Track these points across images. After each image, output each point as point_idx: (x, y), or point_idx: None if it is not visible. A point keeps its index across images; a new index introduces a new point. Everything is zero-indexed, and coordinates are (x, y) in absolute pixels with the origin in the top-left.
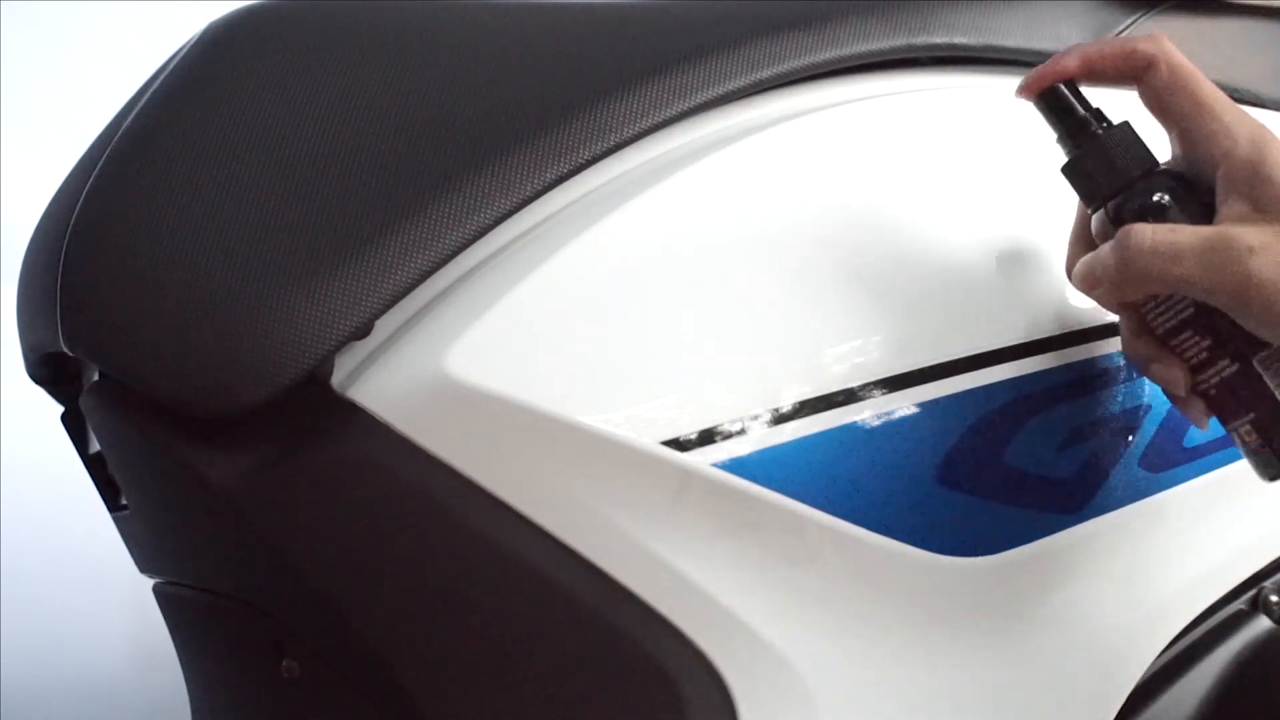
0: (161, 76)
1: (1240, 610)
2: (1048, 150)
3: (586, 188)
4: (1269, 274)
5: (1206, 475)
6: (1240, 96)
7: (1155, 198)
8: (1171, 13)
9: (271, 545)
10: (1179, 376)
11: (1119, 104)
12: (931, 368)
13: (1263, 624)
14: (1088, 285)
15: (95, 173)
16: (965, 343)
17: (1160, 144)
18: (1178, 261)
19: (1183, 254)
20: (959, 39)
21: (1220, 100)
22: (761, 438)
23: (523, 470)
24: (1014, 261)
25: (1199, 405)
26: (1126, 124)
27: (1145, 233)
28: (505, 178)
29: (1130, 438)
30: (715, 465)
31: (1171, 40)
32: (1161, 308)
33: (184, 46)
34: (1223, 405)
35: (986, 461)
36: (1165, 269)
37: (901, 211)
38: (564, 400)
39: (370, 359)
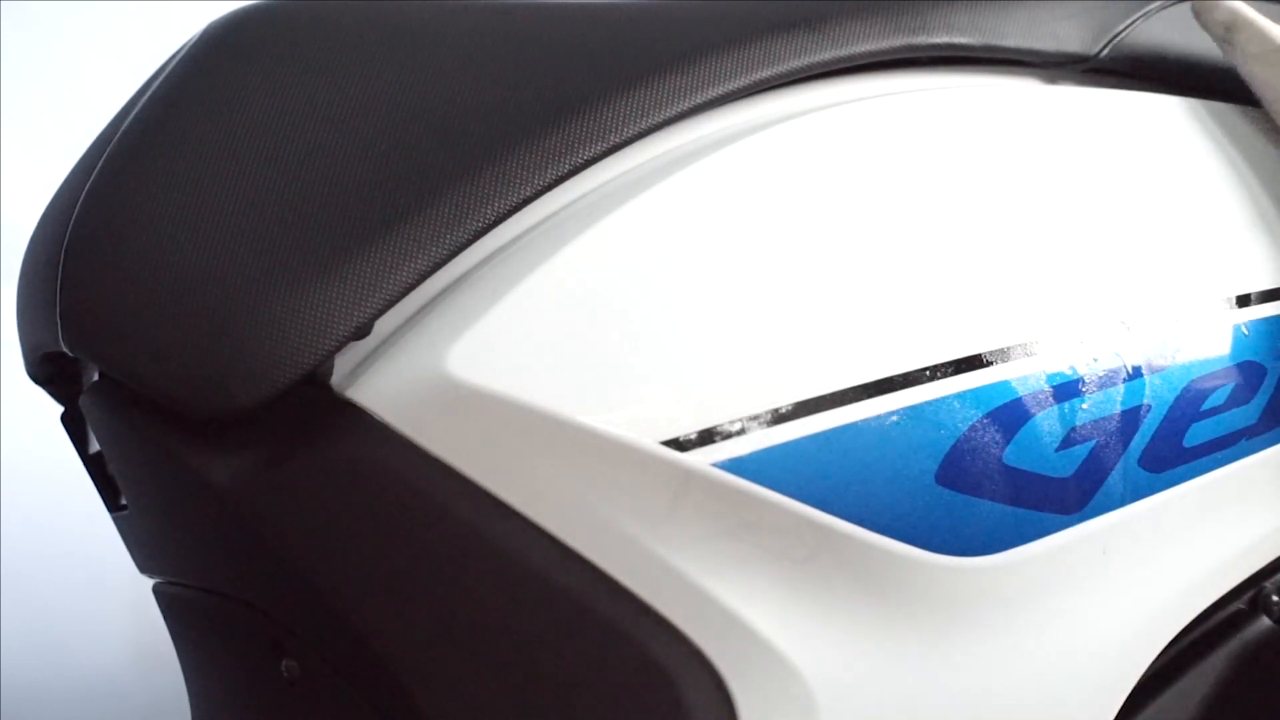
0: (161, 76)
1: (1240, 610)
2: (1048, 150)
3: (586, 188)
4: None
5: (1206, 475)
6: (1248, 98)
7: None
8: (1178, 2)
9: (271, 545)
10: None
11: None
12: (931, 368)
13: (1263, 624)
14: None
15: (95, 173)
16: (965, 343)
17: None
18: None
19: None
20: (959, 39)
21: None
22: (761, 438)
23: (522, 470)
24: (1014, 261)
25: None
26: None
27: None
28: (505, 178)
29: (1130, 438)
30: (715, 465)
31: (1179, 31)
32: None
33: (183, 47)
34: None
35: (986, 461)
36: None
37: (901, 212)
38: (564, 400)
39: (370, 359)
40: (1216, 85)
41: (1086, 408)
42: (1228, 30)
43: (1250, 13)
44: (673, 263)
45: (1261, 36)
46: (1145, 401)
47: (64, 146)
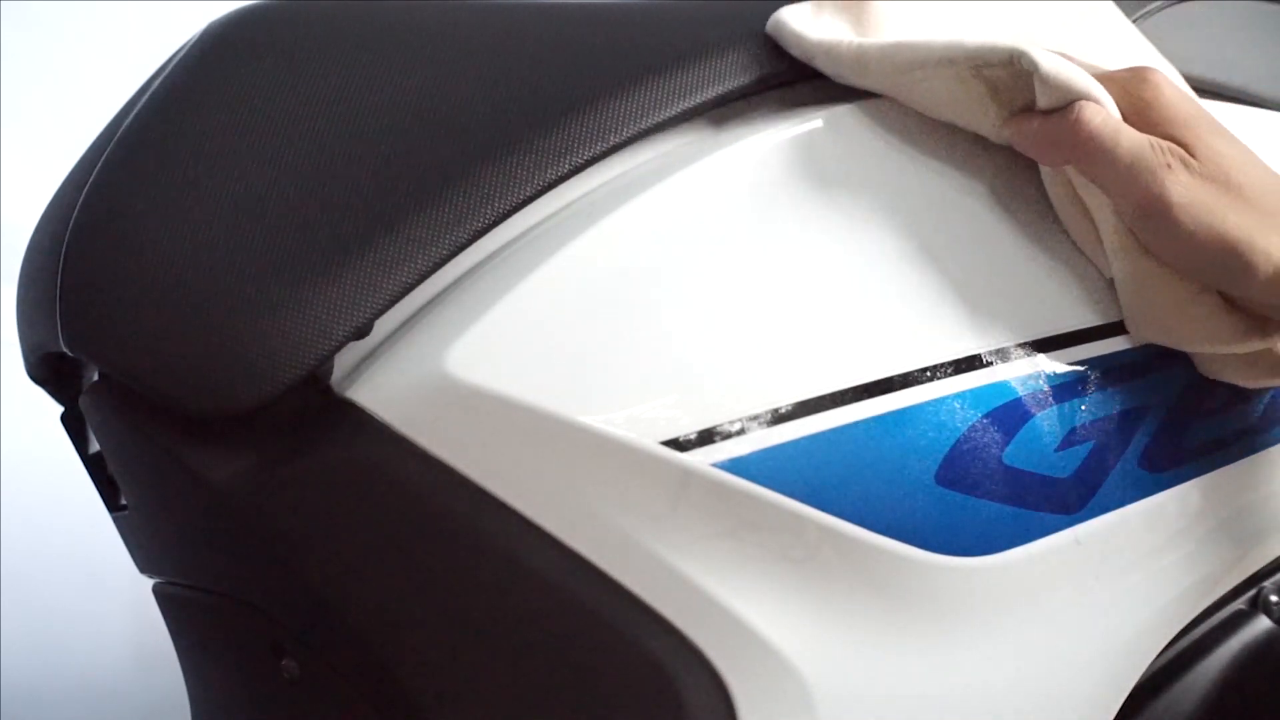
0: (161, 77)
1: (1240, 610)
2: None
3: (587, 187)
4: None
5: (1206, 475)
6: (1248, 98)
7: None
8: (1178, 2)
9: (271, 545)
10: None
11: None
12: (931, 367)
13: (1263, 624)
14: (1017, 132)
15: (95, 173)
16: (965, 343)
17: None
18: (1114, 149)
19: (1120, 141)
20: None
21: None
22: (761, 438)
23: (522, 470)
24: (1013, 261)
25: None
26: None
27: (1098, 111)
28: (505, 177)
29: (1130, 438)
30: (715, 465)
31: (1178, 31)
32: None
33: (183, 47)
34: None
35: (986, 461)
36: (1098, 150)
37: (903, 211)
38: (564, 400)
39: (370, 359)
40: (1217, 85)
41: (1086, 408)
42: (832, 64)
43: (826, 37)
44: (673, 262)
45: (840, 53)
46: (1145, 401)
47: (64, 146)
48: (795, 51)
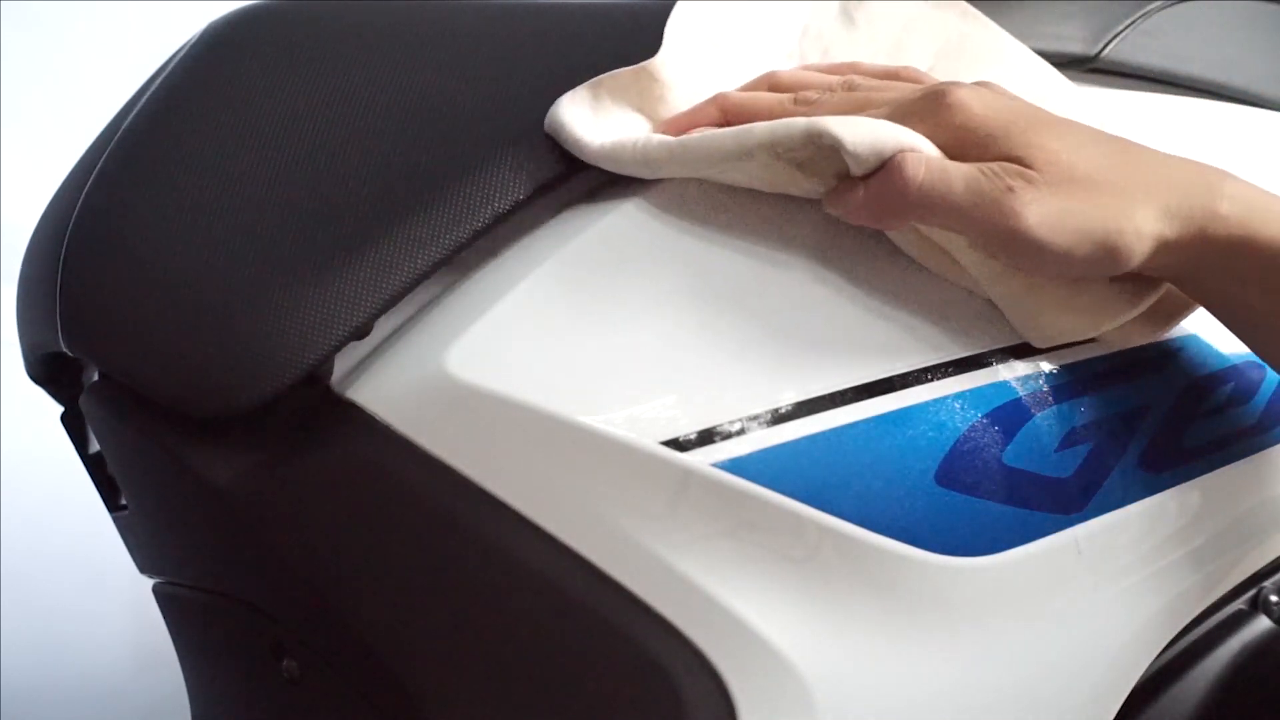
0: (161, 77)
1: (1240, 610)
2: None
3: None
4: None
5: (1206, 475)
6: (1248, 98)
7: None
8: (1179, 2)
9: (271, 546)
10: None
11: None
12: (931, 367)
13: (1263, 624)
14: (844, 209)
15: (95, 173)
16: (965, 343)
17: None
18: (949, 194)
19: (953, 184)
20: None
21: None
22: (761, 438)
23: (521, 470)
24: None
25: None
26: None
27: (918, 161)
28: (505, 177)
29: (1130, 438)
30: (715, 465)
31: (1179, 31)
32: None
33: (183, 47)
34: None
35: (986, 461)
36: (934, 202)
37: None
38: (564, 400)
39: (370, 359)
40: (1217, 85)
41: (1086, 408)
42: (620, 168)
43: (606, 141)
44: (673, 262)
45: (623, 158)
46: (1145, 401)
47: (64, 146)
48: (578, 155)
